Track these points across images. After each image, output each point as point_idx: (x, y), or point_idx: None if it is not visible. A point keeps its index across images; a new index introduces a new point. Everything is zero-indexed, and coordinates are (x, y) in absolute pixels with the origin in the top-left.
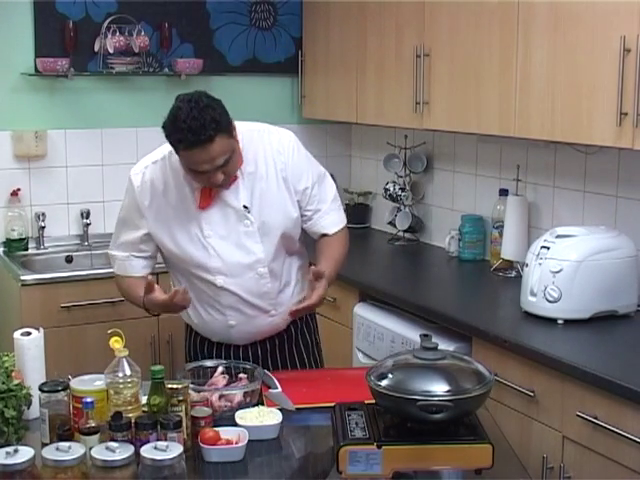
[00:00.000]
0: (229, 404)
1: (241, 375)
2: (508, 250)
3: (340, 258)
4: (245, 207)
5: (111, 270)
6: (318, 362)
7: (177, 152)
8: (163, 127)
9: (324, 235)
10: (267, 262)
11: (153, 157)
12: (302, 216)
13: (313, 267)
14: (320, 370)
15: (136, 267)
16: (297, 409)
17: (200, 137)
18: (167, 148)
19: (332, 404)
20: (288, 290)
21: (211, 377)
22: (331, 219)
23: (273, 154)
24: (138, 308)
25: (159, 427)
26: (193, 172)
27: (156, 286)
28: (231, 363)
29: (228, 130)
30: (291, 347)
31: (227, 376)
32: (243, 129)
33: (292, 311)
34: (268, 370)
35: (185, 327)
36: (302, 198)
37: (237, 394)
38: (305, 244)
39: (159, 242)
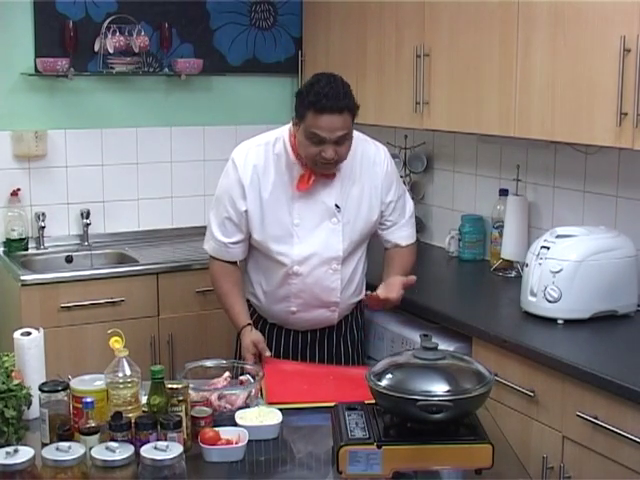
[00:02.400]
0: (229, 406)
1: (242, 377)
2: (508, 250)
3: (409, 269)
4: (337, 206)
5: (111, 270)
6: (361, 358)
7: (304, 117)
8: (298, 93)
9: (397, 246)
10: (342, 260)
11: (257, 141)
12: (380, 224)
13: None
14: (326, 367)
15: (233, 253)
16: (297, 409)
17: (334, 104)
18: (272, 135)
19: (331, 404)
20: (349, 290)
21: (211, 377)
22: (406, 233)
23: (369, 163)
24: (138, 308)
25: (159, 427)
26: (310, 141)
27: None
28: (232, 363)
29: (354, 113)
30: (339, 341)
31: (229, 378)
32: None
33: (372, 296)
34: (309, 359)
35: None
36: (386, 209)
37: (239, 398)
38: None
39: (250, 222)
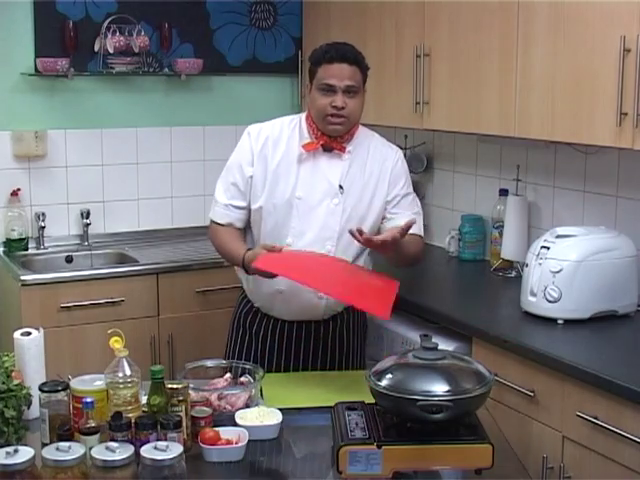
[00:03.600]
0: (229, 407)
1: (243, 379)
2: (508, 250)
3: (412, 252)
4: (340, 187)
5: (111, 270)
6: (354, 364)
7: (315, 74)
8: (310, 56)
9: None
10: (336, 242)
11: (270, 121)
12: (384, 218)
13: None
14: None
15: (233, 217)
16: (297, 409)
17: (343, 55)
18: (288, 117)
19: (331, 404)
20: None
21: (211, 377)
22: (418, 224)
23: (380, 157)
24: (138, 308)
25: (159, 427)
26: (321, 92)
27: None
28: (232, 363)
29: (364, 74)
30: (327, 340)
31: (230, 379)
32: (364, 128)
33: (364, 236)
34: (294, 355)
35: (238, 298)
36: (391, 200)
37: (239, 399)
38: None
39: (253, 189)
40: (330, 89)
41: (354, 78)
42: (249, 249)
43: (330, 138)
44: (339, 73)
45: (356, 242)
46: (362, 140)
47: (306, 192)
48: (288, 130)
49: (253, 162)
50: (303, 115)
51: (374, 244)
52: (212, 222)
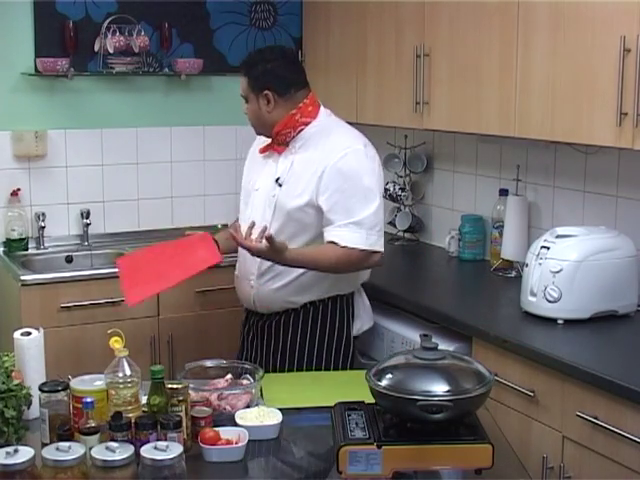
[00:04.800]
0: (229, 408)
1: (243, 381)
2: (508, 250)
3: (317, 259)
4: (277, 180)
5: (111, 270)
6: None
7: None
8: None
9: (332, 243)
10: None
11: None
12: (325, 222)
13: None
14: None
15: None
16: (297, 409)
17: (241, 64)
18: None
19: (331, 404)
20: (269, 276)
21: (211, 377)
22: (339, 233)
23: (323, 155)
24: (138, 308)
25: (159, 427)
26: None
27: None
28: (232, 363)
29: (252, 83)
30: (278, 338)
31: (231, 380)
32: (325, 122)
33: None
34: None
35: None
36: (322, 205)
37: (240, 401)
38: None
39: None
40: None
41: (243, 88)
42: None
43: (273, 140)
44: (240, 85)
45: (284, 236)
46: (310, 136)
47: (255, 182)
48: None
49: (248, 159)
50: None
51: (241, 244)
52: None
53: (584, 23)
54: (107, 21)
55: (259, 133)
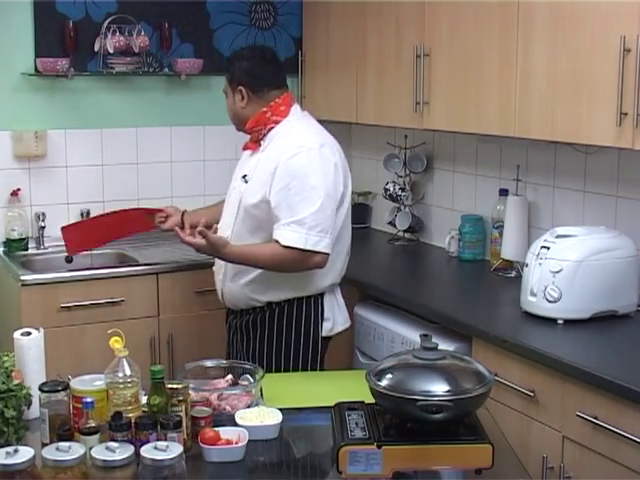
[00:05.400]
0: (229, 409)
1: (243, 382)
2: (508, 250)
3: (257, 255)
4: (244, 177)
5: (111, 270)
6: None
7: None
8: None
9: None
10: (233, 227)
11: None
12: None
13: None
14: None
15: None
16: (297, 409)
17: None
18: None
19: (331, 404)
20: (233, 272)
21: (211, 377)
22: (280, 232)
23: (280, 152)
24: (138, 308)
25: (159, 427)
26: None
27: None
28: (232, 363)
29: (229, 78)
30: (242, 333)
31: (231, 381)
32: (296, 121)
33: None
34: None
35: None
36: (270, 200)
37: (241, 402)
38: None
39: None
40: None
41: (225, 84)
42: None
43: (250, 137)
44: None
45: (243, 232)
46: (275, 135)
47: (235, 183)
48: None
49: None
50: None
51: (183, 240)
52: None
53: (584, 23)
54: (107, 21)
55: (238, 129)
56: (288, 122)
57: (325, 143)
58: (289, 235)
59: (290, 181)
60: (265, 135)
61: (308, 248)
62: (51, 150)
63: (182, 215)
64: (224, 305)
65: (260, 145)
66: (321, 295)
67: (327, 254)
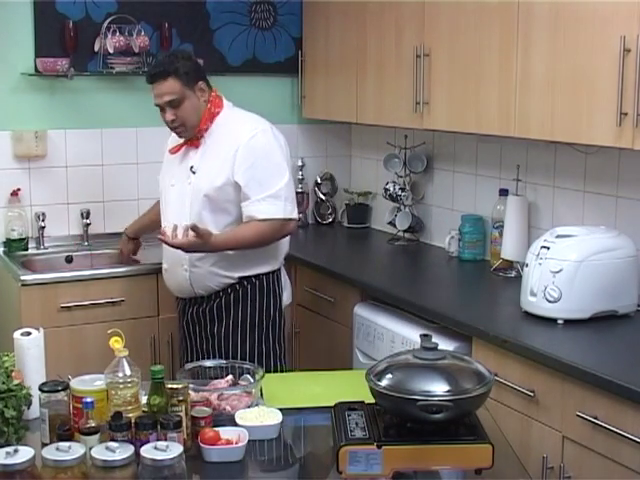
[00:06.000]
0: (229, 409)
1: (243, 383)
2: (508, 250)
3: (243, 238)
4: (191, 168)
5: (111, 270)
6: (269, 358)
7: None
8: None
9: (252, 219)
10: (189, 218)
11: None
12: (242, 198)
13: (192, 223)
14: None
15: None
16: (297, 409)
17: (156, 72)
18: None
19: (331, 404)
20: (207, 256)
21: (211, 377)
22: (258, 207)
23: (233, 136)
24: (138, 308)
25: (159, 427)
26: (158, 108)
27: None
28: (231, 363)
29: (183, 78)
30: (212, 317)
31: (231, 381)
32: (233, 110)
33: (160, 233)
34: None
35: None
36: (238, 180)
37: (241, 403)
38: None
39: None
40: (160, 107)
41: (171, 92)
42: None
43: (188, 137)
44: (157, 92)
45: (204, 218)
46: (220, 124)
47: (172, 177)
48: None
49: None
50: None
51: (171, 245)
52: None
53: (584, 23)
54: (107, 21)
55: (187, 135)
56: (225, 112)
57: (270, 125)
58: (267, 208)
59: (254, 160)
60: (209, 128)
61: (287, 216)
62: (51, 150)
63: (126, 236)
64: (192, 294)
65: (200, 139)
66: (279, 269)
67: (298, 220)
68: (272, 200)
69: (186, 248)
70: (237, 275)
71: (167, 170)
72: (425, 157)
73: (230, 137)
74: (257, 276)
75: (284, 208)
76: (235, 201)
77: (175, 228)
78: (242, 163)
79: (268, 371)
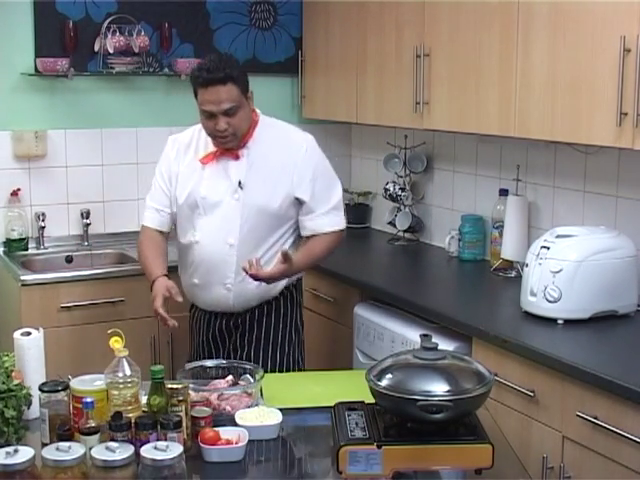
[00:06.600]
0: (229, 409)
1: (243, 383)
2: (508, 250)
3: (317, 255)
4: (240, 183)
5: (111, 270)
6: (289, 362)
7: (196, 94)
8: (190, 74)
9: (317, 233)
10: (239, 235)
11: (190, 128)
12: (299, 214)
13: (284, 249)
14: None
15: (150, 219)
16: (297, 409)
17: (214, 76)
18: (197, 127)
19: (331, 404)
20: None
21: (211, 377)
22: (324, 221)
23: (284, 147)
24: (138, 308)
25: (159, 427)
26: (204, 116)
27: (168, 293)
28: (232, 363)
29: (241, 84)
30: (244, 331)
31: (231, 382)
32: (267, 119)
33: (245, 267)
34: (220, 343)
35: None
36: (300, 200)
37: (241, 403)
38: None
39: (173, 190)
40: (210, 113)
41: (230, 98)
42: (161, 276)
43: (228, 146)
44: (215, 98)
45: (260, 240)
46: (262, 133)
47: (209, 191)
48: (197, 135)
49: (170, 167)
50: None
51: (262, 277)
52: (142, 227)
53: (584, 23)
54: (107, 21)
55: (231, 145)
56: (263, 119)
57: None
58: (333, 221)
59: (314, 174)
60: (246, 142)
61: (345, 227)
62: (51, 150)
63: (164, 277)
64: (230, 309)
65: (241, 150)
66: (301, 278)
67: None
68: (335, 212)
69: (278, 278)
70: (278, 289)
71: (198, 183)
72: (425, 157)
73: (280, 150)
74: (287, 287)
75: (343, 219)
76: (289, 215)
77: (257, 262)
78: (303, 178)
79: None
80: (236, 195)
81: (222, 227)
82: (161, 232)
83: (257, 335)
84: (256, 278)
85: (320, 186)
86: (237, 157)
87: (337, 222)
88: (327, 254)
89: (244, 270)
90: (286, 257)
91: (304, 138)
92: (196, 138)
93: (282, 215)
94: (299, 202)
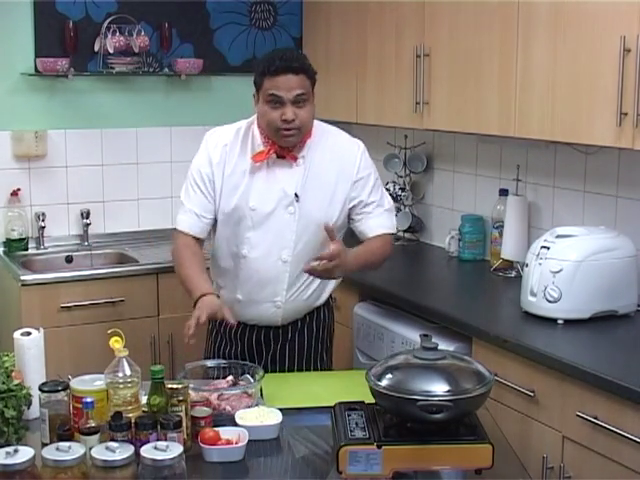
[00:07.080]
0: (229, 409)
1: (243, 383)
2: (508, 250)
3: (371, 252)
4: (296, 195)
5: (111, 270)
6: (319, 363)
7: (262, 85)
8: (254, 65)
9: (374, 235)
10: (293, 251)
11: (229, 126)
12: (351, 219)
13: (327, 223)
14: None
15: (189, 224)
16: (297, 409)
17: (288, 64)
18: (244, 122)
19: (331, 404)
20: (299, 289)
21: (211, 377)
22: (382, 222)
23: (340, 154)
24: (138, 308)
25: (159, 427)
26: (270, 105)
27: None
28: (232, 363)
29: (311, 79)
30: (284, 344)
31: (231, 381)
32: (319, 125)
33: (307, 267)
34: (256, 358)
35: None
36: (357, 204)
37: (241, 404)
38: None
39: (218, 198)
40: (278, 100)
41: (302, 86)
42: (211, 293)
43: (282, 147)
44: (286, 84)
45: (312, 251)
46: (317, 140)
47: (260, 202)
48: (242, 137)
49: (213, 172)
50: (255, 120)
51: (318, 273)
52: (177, 231)
53: (584, 23)
54: (107, 21)
55: (292, 142)
56: (319, 125)
57: None
58: (387, 222)
59: (367, 178)
60: (304, 145)
61: (395, 232)
62: (51, 150)
63: (212, 301)
64: (275, 324)
65: (299, 153)
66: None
67: None
68: (388, 214)
69: (340, 272)
70: (323, 298)
71: (246, 192)
72: (425, 157)
73: (334, 157)
74: (331, 295)
75: (395, 220)
76: (342, 225)
77: (321, 257)
78: (363, 186)
79: None
80: (291, 208)
81: (275, 242)
82: (198, 239)
83: (299, 344)
84: (312, 273)
85: (377, 190)
86: (295, 159)
87: (391, 224)
88: (385, 255)
89: (311, 269)
90: (329, 230)
91: (353, 141)
92: (241, 140)
93: (337, 227)
94: (353, 207)
